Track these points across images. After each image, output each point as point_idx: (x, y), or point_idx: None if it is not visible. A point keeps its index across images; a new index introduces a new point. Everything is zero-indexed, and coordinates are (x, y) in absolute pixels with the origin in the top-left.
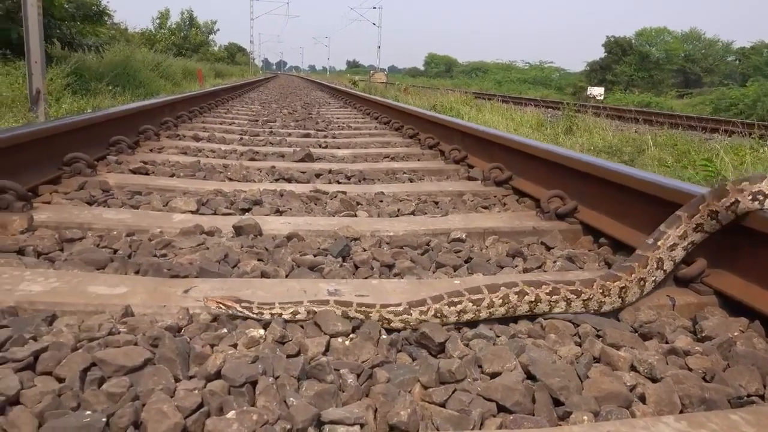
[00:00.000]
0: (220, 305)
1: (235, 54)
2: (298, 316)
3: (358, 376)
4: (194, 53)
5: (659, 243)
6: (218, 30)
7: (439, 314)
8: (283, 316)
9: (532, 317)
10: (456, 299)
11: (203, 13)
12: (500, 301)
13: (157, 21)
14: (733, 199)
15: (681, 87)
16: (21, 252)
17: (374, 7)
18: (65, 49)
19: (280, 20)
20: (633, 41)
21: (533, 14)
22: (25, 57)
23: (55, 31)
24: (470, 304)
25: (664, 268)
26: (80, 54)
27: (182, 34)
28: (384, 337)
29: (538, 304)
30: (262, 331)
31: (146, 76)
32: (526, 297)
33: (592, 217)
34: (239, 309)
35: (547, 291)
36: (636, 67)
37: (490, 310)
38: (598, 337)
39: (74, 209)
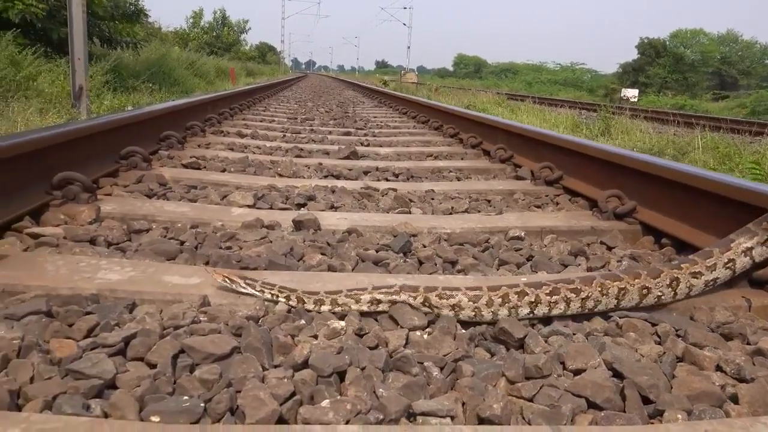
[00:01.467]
0: (226, 279)
1: (265, 53)
2: (323, 307)
3: (442, 369)
4: (226, 52)
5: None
6: (250, 29)
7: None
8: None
9: (606, 315)
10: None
11: (235, 13)
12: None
13: (191, 20)
14: None
15: (716, 89)
16: (92, 241)
17: (405, 8)
18: (104, 47)
19: (310, 20)
20: (667, 43)
21: (565, 15)
22: (67, 54)
23: (95, 29)
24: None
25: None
26: (118, 52)
27: (214, 33)
28: (463, 331)
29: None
30: (342, 323)
31: (181, 74)
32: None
33: (651, 217)
34: (243, 285)
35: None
36: (670, 69)
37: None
38: (678, 336)
39: (137, 201)
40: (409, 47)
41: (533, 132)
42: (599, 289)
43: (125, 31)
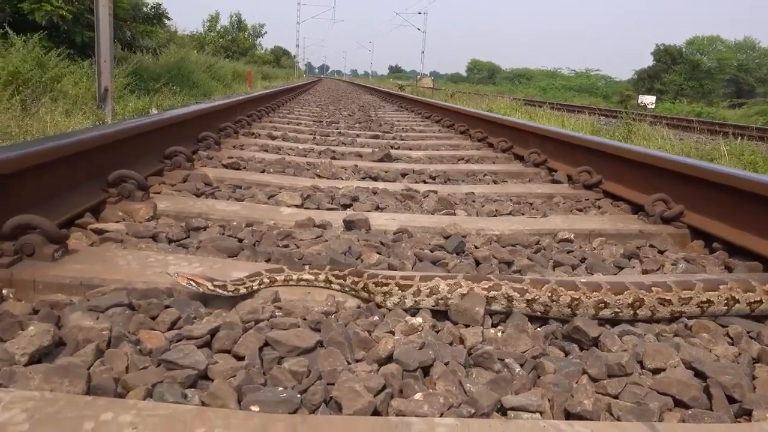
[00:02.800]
0: (191, 282)
1: (280, 57)
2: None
3: (522, 365)
4: (242, 56)
5: None
6: (266, 33)
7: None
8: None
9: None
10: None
11: (251, 16)
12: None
13: (207, 24)
14: None
15: (733, 97)
16: (154, 238)
17: (419, 13)
18: (125, 50)
19: (325, 25)
20: (683, 50)
21: (580, 21)
22: (90, 57)
23: (117, 32)
24: None
25: None
26: (139, 55)
27: (230, 37)
28: (538, 329)
29: None
30: (420, 320)
31: (199, 77)
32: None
33: (699, 220)
34: (210, 287)
35: None
36: (686, 76)
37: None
38: (751, 338)
39: (188, 200)
40: (423, 52)
41: (569, 136)
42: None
43: (146, 32)
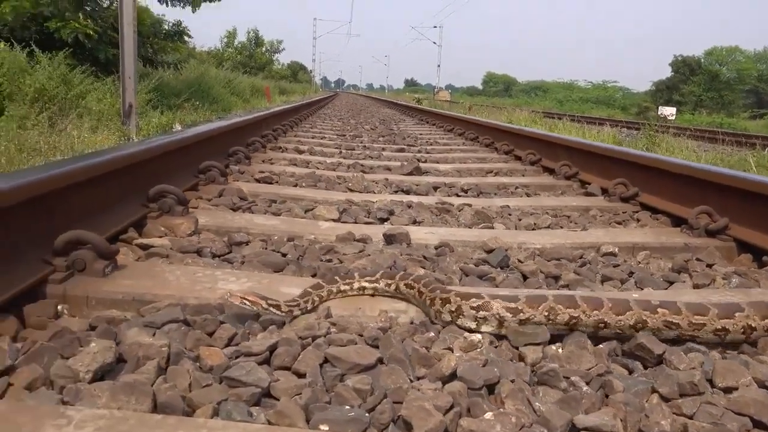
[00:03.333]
0: (244, 301)
1: (297, 72)
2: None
3: (588, 383)
4: (260, 71)
5: None
6: (283, 49)
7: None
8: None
9: None
10: None
11: (267, 33)
12: None
13: (225, 40)
14: None
15: (753, 108)
16: (198, 253)
17: (435, 26)
18: (146, 66)
19: (340, 39)
20: (702, 60)
21: (596, 33)
22: (113, 74)
23: (140, 49)
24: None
25: None
26: (160, 71)
27: (248, 53)
28: (601, 346)
29: None
30: (479, 336)
31: (218, 92)
32: None
33: (746, 233)
34: (264, 306)
35: None
36: (705, 87)
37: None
38: None
39: (226, 214)
40: (439, 66)
41: (604, 148)
42: None
43: (168, 47)
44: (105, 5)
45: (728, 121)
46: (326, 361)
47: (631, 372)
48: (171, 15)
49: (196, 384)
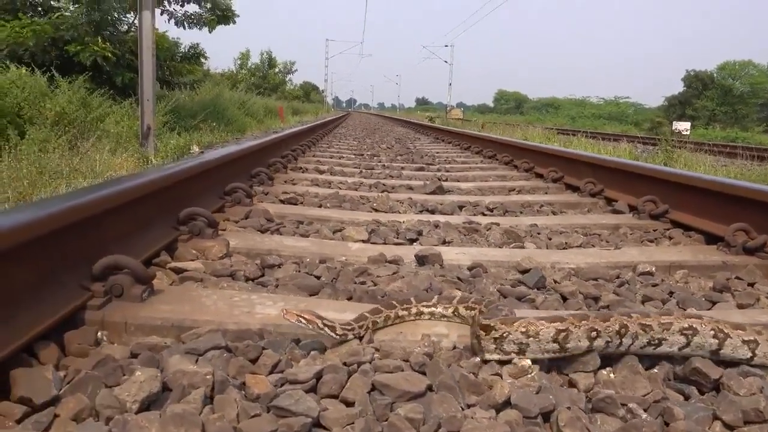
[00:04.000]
0: (300, 318)
1: (309, 92)
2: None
3: (646, 410)
4: (273, 92)
5: None
6: (296, 71)
7: None
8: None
9: None
10: None
11: (280, 51)
12: None
13: (239, 61)
14: None
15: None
16: (232, 276)
17: (446, 45)
18: (163, 88)
19: (352, 59)
20: (715, 75)
21: (607, 49)
22: (130, 97)
23: (157, 72)
24: None
25: None
26: (176, 93)
27: (261, 74)
28: (655, 370)
29: None
30: (529, 361)
31: (233, 113)
32: None
33: None
34: (320, 325)
35: None
36: (718, 101)
37: None
38: None
39: (255, 236)
40: (450, 84)
41: (631, 165)
42: None
43: (185, 69)
44: (123, 30)
45: (743, 135)
46: (374, 388)
47: (687, 398)
48: (187, 37)
49: (244, 414)
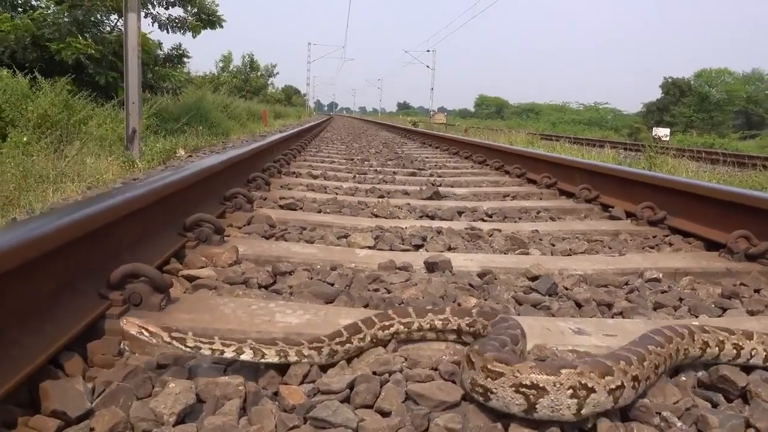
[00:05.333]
0: (142, 331)
1: (291, 96)
2: (266, 358)
3: (679, 417)
4: (255, 95)
5: None
6: (278, 73)
7: None
8: (225, 354)
9: None
10: None
11: (262, 55)
12: None
13: (221, 64)
14: None
15: (743, 129)
16: (245, 283)
17: (428, 50)
18: (146, 92)
19: (334, 63)
20: (692, 82)
21: (587, 55)
22: (113, 99)
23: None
24: None
25: None
26: (159, 96)
27: (243, 77)
28: (683, 378)
29: None
30: None
31: (216, 116)
32: None
33: None
34: (166, 339)
35: None
36: (695, 108)
37: None
38: None
39: (262, 243)
40: (432, 89)
41: (627, 172)
42: None
43: (169, 75)
44: (107, 30)
45: (720, 142)
46: (407, 397)
47: (715, 405)
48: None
49: (282, 425)
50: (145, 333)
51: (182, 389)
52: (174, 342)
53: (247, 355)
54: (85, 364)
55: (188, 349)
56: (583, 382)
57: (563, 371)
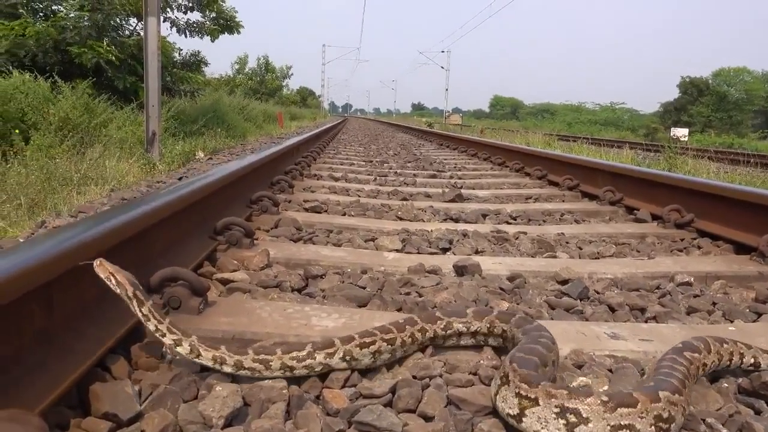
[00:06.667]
0: (110, 277)
1: (306, 97)
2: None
3: (724, 424)
4: (270, 97)
5: None
6: (292, 75)
7: None
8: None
9: None
10: None
11: (276, 57)
12: None
13: (236, 66)
14: None
15: (762, 128)
16: (279, 287)
17: (443, 51)
18: (164, 95)
19: (348, 64)
20: (710, 81)
21: (603, 55)
22: (131, 102)
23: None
24: None
25: None
26: (177, 99)
27: (258, 78)
28: (725, 385)
29: None
30: (590, 378)
31: (233, 118)
32: None
33: None
34: (129, 294)
35: None
36: (713, 108)
37: None
38: None
39: (291, 246)
40: (447, 90)
41: (652, 174)
42: None
43: (186, 78)
44: (126, 34)
45: (739, 142)
46: (449, 402)
47: (758, 412)
48: (186, 44)
49: (328, 429)
50: (113, 280)
51: (229, 393)
52: (134, 301)
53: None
54: (129, 366)
55: (140, 315)
56: None
57: None
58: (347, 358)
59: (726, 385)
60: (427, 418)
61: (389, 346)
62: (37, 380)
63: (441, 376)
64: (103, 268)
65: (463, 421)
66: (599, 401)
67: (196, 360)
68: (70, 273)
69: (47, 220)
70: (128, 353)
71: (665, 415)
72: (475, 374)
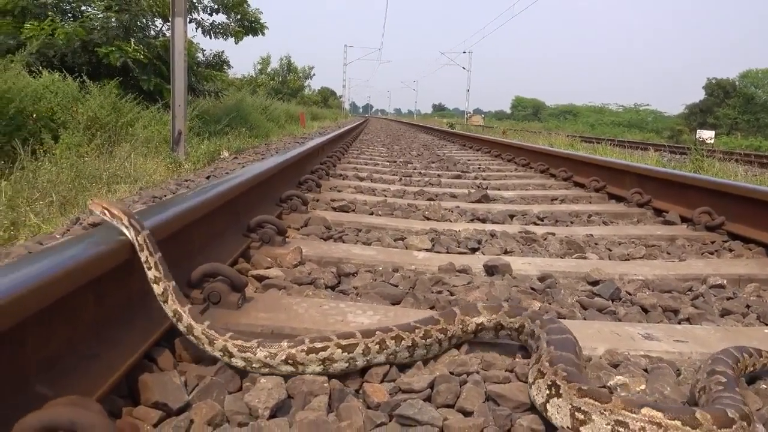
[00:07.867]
0: (105, 211)
1: (327, 98)
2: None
3: (764, 425)
4: (292, 97)
5: None
6: (314, 75)
7: None
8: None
9: None
10: None
11: (298, 57)
12: None
13: (259, 66)
14: None
15: None
16: (313, 284)
17: (464, 52)
18: (189, 94)
19: (370, 65)
20: (737, 83)
21: (627, 55)
22: (157, 102)
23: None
24: None
25: None
26: (201, 99)
27: (280, 78)
28: (763, 386)
29: None
30: (622, 378)
31: (256, 118)
32: None
33: None
34: (125, 222)
35: None
36: (740, 109)
37: None
38: None
39: (322, 245)
40: (468, 90)
41: (681, 176)
42: None
43: (211, 77)
44: (152, 35)
45: (767, 145)
46: (487, 398)
47: None
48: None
49: (369, 422)
50: (107, 214)
51: (274, 385)
52: (131, 230)
53: None
54: (174, 358)
55: (136, 244)
56: None
57: None
58: None
59: (764, 386)
60: (466, 413)
61: None
62: (93, 368)
63: (478, 372)
64: (96, 206)
65: (503, 417)
66: None
67: (166, 304)
68: (118, 270)
69: (81, 218)
70: (172, 346)
71: None
72: (511, 371)
